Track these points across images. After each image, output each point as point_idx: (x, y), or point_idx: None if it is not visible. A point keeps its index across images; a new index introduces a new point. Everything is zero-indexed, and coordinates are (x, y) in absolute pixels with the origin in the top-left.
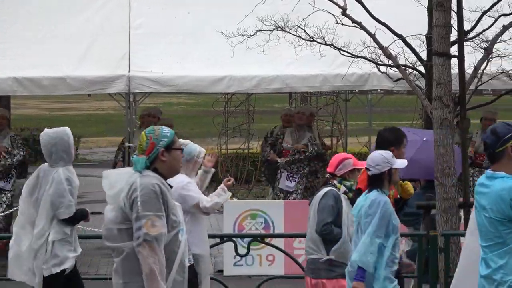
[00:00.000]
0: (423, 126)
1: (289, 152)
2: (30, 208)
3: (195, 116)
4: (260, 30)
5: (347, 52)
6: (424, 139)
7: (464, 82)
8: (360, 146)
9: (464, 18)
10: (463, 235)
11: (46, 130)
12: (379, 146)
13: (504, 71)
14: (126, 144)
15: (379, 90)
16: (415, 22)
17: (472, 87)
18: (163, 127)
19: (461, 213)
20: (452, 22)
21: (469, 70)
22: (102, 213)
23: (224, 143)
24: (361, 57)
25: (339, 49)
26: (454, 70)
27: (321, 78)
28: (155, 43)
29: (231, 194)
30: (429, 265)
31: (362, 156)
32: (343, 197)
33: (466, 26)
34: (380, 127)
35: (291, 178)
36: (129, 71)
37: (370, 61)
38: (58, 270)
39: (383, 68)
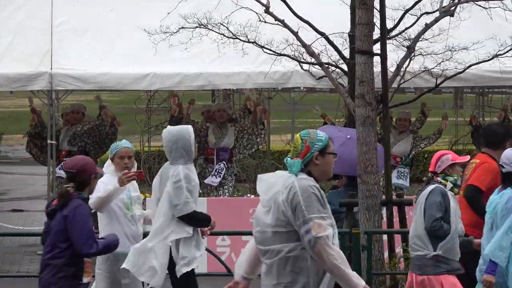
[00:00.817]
0: (346, 123)
1: (214, 150)
2: (155, 208)
3: (117, 114)
4: (183, 28)
5: (270, 49)
6: (348, 137)
7: (386, 80)
8: (282, 144)
9: (386, 17)
10: (386, 233)
11: (168, 127)
12: (491, 141)
13: (426, 69)
14: (49, 141)
15: (302, 88)
16: (338, 20)
17: (395, 85)
18: (317, 131)
19: (384, 211)
20: (374, 20)
21: (391, 68)
22: (24, 211)
23: (147, 141)
24: (284, 55)
25: (262, 46)
26: (377, 68)
27: (244, 76)
28: (78, 40)
29: (118, 187)
30: (351, 262)
31: (285, 154)
32: (450, 194)
33: (389, 24)
34: (303, 125)
35: (216, 174)
36: (51, 69)
37: (293, 59)
38: (188, 269)
39: (306, 66)
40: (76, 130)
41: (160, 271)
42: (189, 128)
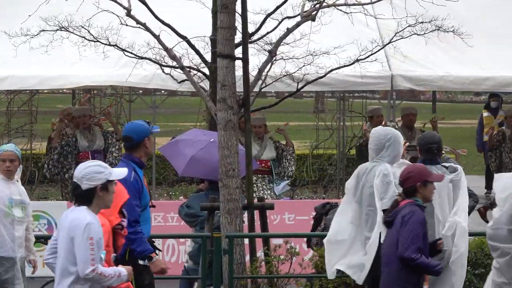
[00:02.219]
0: (208, 127)
1: (88, 153)
2: (352, 205)
3: None
4: (43, 30)
5: (131, 53)
6: (211, 140)
7: (248, 84)
8: None
9: (248, 21)
10: (247, 236)
11: (378, 128)
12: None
13: (287, 73)
14: None
15: (163, 91)
16: (200, 24)
17: (256, 89)
18: None
19: (245, 214)
20: (236, 24)
21: (253, 72)
22: None
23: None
24: (145, 58)
25: (123, 50)
26: (239, 72)
27: (105, 78)
28: None
29: None
30: (213, 266)
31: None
32: None
33: (251, 28)
34: (164, 128)
35: None
36: None
37: (155, 62)
38: None
39: (167, 70)
40: None
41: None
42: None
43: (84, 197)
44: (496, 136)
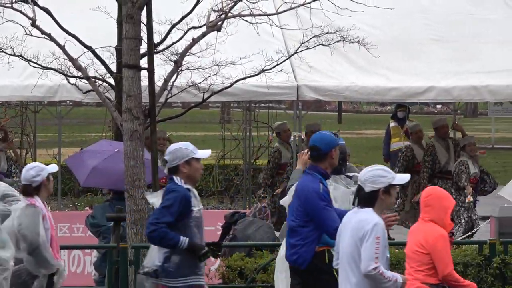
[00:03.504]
0: (114, 138)
1: None
2: None
3: None
4: None
5: (36, 63)
6: (116, 150)
7: (154, 94)
8: (49, 158)
9: (154, 31)
10: None
11: None
12: None
13: (193, 83)
14: None
15: (68, 101)
16: (105, 34)
17: (162, 99)
18: None
19: None
20: (142, 34)
21: (159, 82)
22: None
23: None
24: (50, 68)
25: (28, 60)
26: (144, 82)
27: (10, 89)
28: None
29: None
30: (119, 277)
31: None
32: None
33: (156, 38)
34: (70, 139)
35: None
36: None
37: (60, 72)
38: None
39: (72, 80)
40: None
41: None
42: None
43: (367, 199)
44: (406, 152)
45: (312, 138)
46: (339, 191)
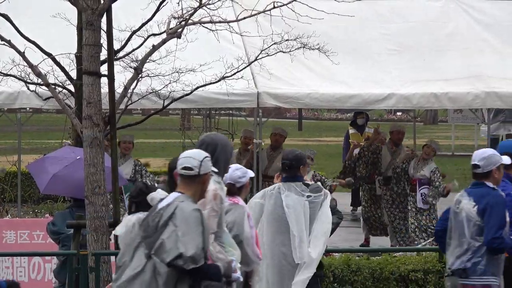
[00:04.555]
0: (74, 145)
1: None
2: None
3: None
4: None
5: None
6: (78, 157)
7: (114, 101)
8: (9, 164)
9: (114, 38)
10: (114, 254)
11: None
12: None
13: (153, 90)
14: None
15: (28, 108)
16: (65, 41)
17: (122, 106)
18: None
19: (112, 232)
20: (102, 41)
21: (119, 89)
22: None
23: None
24: (10, 75)
25: None
26: (104, 89)
27: None
28: None
29: None
30: (79, 284)
31: (13, 174)
32: None
33: (116, 45)
34: (30, 145)
35: None
36: None
37: (19, 79)
38: None
39: (32, 87)
40: None
41: None
42: None
43: None
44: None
45: (502, 145)
46: (291, 198)
